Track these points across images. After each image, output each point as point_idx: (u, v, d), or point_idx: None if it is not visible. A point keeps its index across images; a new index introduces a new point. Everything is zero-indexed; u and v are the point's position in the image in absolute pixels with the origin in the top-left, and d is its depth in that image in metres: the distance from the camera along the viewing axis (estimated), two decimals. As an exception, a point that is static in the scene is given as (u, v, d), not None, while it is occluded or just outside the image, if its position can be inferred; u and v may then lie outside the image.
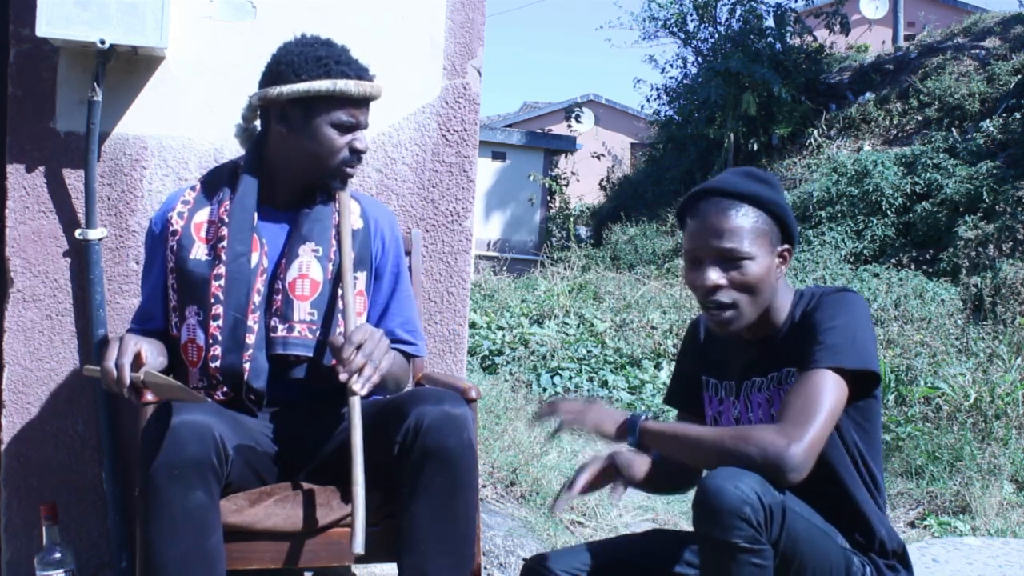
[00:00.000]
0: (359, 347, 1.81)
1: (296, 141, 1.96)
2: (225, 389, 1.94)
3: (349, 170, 2.00)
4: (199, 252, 1.97)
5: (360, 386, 1.80)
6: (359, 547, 1.73)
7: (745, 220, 1.65)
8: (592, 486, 1.78)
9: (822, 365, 1.58)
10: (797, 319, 1.70)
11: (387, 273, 2.10)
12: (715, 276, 1.66)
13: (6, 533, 2.43)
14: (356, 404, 1.82)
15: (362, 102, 1.98)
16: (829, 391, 1.56)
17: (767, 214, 1.68)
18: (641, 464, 1.76)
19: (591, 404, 1.77)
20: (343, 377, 1.80)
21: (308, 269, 1.97)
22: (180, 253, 1.97)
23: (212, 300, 1.93)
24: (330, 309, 1.99)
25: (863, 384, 1.63)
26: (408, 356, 2.12)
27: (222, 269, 1.93)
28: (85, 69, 2.38)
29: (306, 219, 2.00)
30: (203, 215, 2.00)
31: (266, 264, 1.98)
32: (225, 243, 1.94)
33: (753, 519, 1.44)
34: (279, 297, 1.97)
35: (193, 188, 2.06)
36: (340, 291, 1.97)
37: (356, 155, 1.99)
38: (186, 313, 1.97)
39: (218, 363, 1.92)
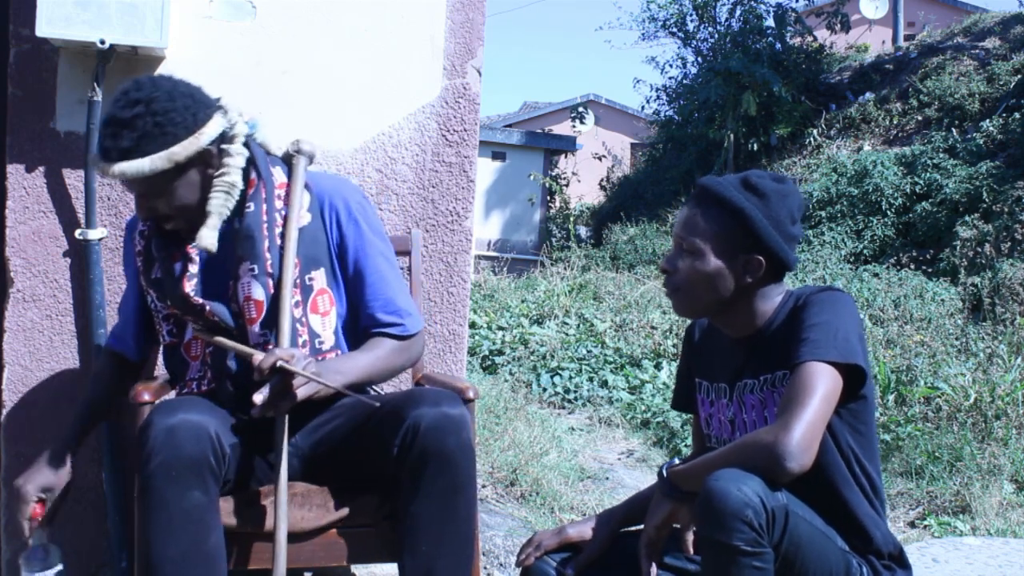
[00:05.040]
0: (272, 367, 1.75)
1: None
2: (208, 376, 1.97)
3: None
4: (157, 270, 1.98)
5: (256, 411, 1.76)
6: None
7: (707, 220, 1.71)
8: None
9: (805, 359, 1.59)
10: (785, 319, 1.72)
11: (349, 258, 2.01)
12: (668, 262, 1.76)
13: (6, 533, 2.43)
14: (282, 438, 1.81)
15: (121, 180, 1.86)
16: (817, 380, 1.56)
17: (733, 221, 1.70)
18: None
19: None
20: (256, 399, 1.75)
21: (250, 290, 1.92)
22: (145, 271, 2.00)
23: (175, 313, 2.00)
24: (274, 320, 1.92)
25: (852, 381, 1.63)
26: (399, 337, 2.02)
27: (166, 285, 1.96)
28: (85, 69, 2.38)
29: (238, 236, 1.93)
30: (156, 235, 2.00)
31: (194, 270, 1.94)
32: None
33: (755, 522, 1.44)
34: (224, 315, 1.94)
35: None
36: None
37: (145, 220, 1.95)
38: (184, 319, 2.00)
39: (211, 349, 1.96)
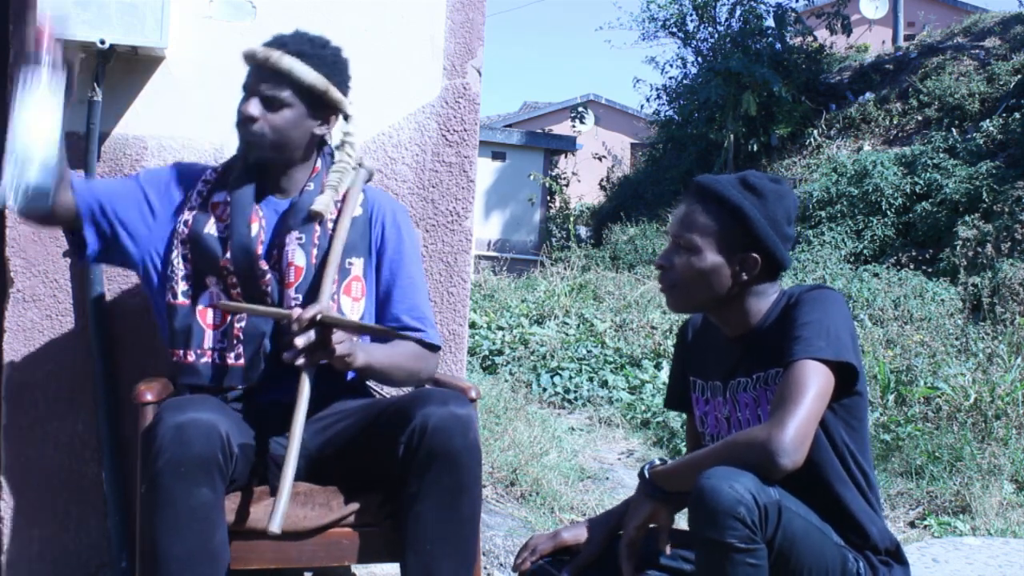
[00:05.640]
0: (311, 323, 1.82)
1: None
2: (239, 350, 1.97)
3: (242, 134, 2.01)
4: (211, 228, 2.02)
5: (290, 355, 1.83)
6: (276, 526, 1.71)
7: (705, 217, 1.73)
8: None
9: (798, 357, 1.60)
10: (778, 317, 1.73)
11: (386, 259, 2.11)
12: (664, 258, 1.77)
13: (6, 533, 2.43)
14: (305, 389, 1.83)
15: (265, 69, 1.99)
16: (809, 377, 1.58)
17: (730, 219, 1.71)
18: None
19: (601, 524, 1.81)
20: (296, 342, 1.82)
21: (293, 257, 2.00)
22: (194, 227, 2.02)
23: (224, 270, 1.99)
24: (313, 291, 2.00)
25: (844, 379, 1.65)
26: (423, 345, 2.10)
27: (231, 243, 1.99)
28: (85, 69, 2.38)
29: (293, 209, 2.04)
30: (219, 196, 2.06)
31: (264, 237, 2.02)
32: (231, 220, 2.01)
33: (748, 519, 1.46)
34: (273, 287, 2.01)
35: (215, 170, 2.12)
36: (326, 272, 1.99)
37: (241, 122, 2.00)
38: (206, 281, 2.01)
39: (243, 323, 1.97)
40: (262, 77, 1.99)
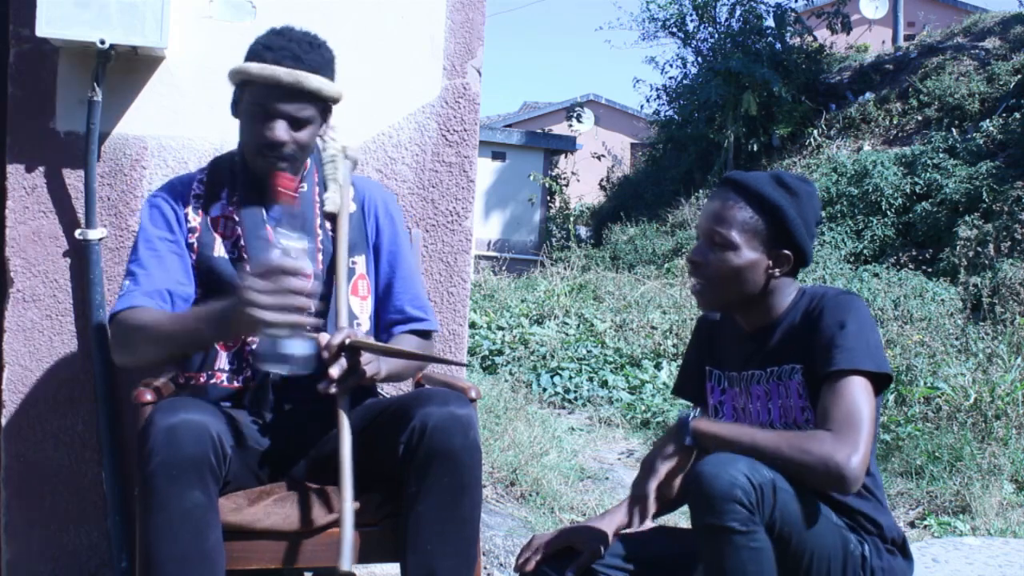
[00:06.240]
0: (340, 349, 1.79)
1: (240, 126, 2.00)
2: (249, 373, 1.96)
3: (265, 162, 1.93)
4: (220, 249, 1.99)
5: (324, 385, 1.80)
6: (347, 564, 1.69)
7: (741, 214, 1.72)
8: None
9: (843, 367, 1.61)
10: (798, 317, 1.74)
11: (384, 251, 2.11)
12: (699, 254, 1.76)
13: (6, 533, 2.43)
14: (344, 415, 1.82)
15: (285, 90, 1.89)
16: (865, 399, 1.60)
17: (768, 216, 1.72)
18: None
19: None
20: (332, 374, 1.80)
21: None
22: (203, 252, 1.98)
23: None
24: (323, 300, 1.98)
25: (877, 386, 1.66)
26: (422, 333, 2.11)
27: (247, 267, 1.94)
28: (85, 69, 2.38)
29: (291, 214, 1.99)
30: (216, 209, 2.02)
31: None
32: (243, 241, 1.97)
33: (745, 500, 1.47)
34: None
35: (201, 181, 2.06)
36: (335, 280, 1.97)
37: (268, 146, 1.91)
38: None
39: (255, 346, 1.94)
40: (287, 98, 1.89)
